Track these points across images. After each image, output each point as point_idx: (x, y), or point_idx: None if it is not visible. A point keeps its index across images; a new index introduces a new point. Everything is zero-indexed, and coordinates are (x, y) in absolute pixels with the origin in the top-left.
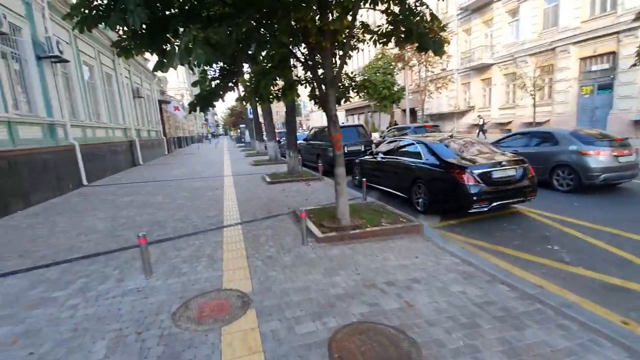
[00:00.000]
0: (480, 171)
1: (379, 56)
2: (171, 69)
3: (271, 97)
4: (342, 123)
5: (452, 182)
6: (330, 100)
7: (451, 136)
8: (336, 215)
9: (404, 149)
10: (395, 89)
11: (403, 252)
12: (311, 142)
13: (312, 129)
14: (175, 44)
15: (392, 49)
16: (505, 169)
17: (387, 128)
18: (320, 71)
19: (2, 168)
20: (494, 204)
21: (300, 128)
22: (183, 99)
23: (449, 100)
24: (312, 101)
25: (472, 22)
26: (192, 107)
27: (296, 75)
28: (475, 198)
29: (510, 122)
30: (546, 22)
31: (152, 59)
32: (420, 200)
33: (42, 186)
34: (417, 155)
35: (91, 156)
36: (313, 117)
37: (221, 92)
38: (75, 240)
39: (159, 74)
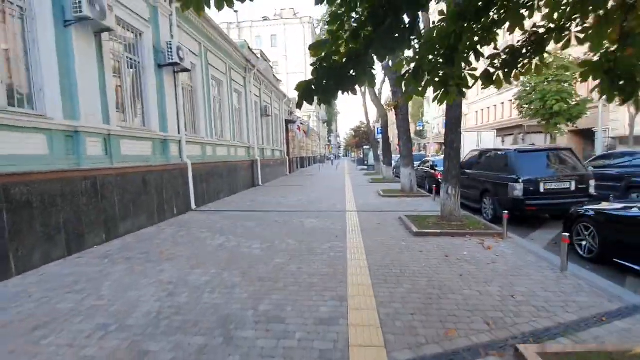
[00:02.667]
0: None
1: (549, 60)
2: None
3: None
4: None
5: None
6: None
7: None
8: None
9: None
10: (574, 101)
11: None
12: (471, 171)
13: (473, 151)
14: None
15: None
16: None
17: (591, 158)
18: None
19: (84, 190)
20: None
21: (420, 151)
22: (309, 121)
23: None
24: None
25: None
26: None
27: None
28: None
29: None
30: None
31: (285, 80)
32: None
33: (136, 212)
34: None
35: (206, 176)
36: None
37: (357, 71)
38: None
39: (288, 93)
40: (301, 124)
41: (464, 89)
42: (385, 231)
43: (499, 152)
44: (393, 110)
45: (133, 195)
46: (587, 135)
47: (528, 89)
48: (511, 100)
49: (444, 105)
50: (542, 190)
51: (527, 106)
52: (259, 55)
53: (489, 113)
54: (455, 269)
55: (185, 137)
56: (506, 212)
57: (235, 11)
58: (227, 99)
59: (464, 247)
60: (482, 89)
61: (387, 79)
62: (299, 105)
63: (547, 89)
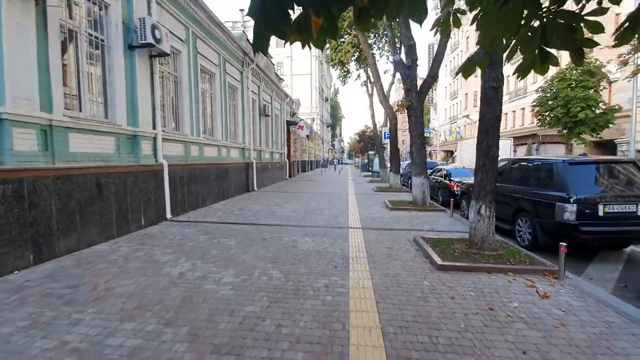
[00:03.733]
0: None
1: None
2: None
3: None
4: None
5: None
6: None
7: None
8: None
9: None
10: (600, 110)
11: None
12: (499, 184)
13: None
14: None
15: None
16: None
17: None
18: None
19: (1, 196)
20: None
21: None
22: (313, 124)
23: None
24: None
25: None
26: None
27: None
28: None
29: None
30: None
31: (290, 82)
32: None
33: (85, 224)
34: None
35: (189, 180)
36: (461, 147)
37: None
38: None
39: (292, 95)
40: (305, 125)
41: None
42: (399, 260)
43: (541, 163)
44: (405, 111)
45: (81, 202)
46: (607, 147)
47: (549, 94)
48: (524, 109)
49: (454, 111)
50: (600, 213)
51: (547, 113)
52: None
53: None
54: (511, 337)
55: (162, 134)
56: (562, 243)
57: (241, 10)
58: (219, 94)
59: (510, 292)
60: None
61: (396, 75)
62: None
63: (572, 95)
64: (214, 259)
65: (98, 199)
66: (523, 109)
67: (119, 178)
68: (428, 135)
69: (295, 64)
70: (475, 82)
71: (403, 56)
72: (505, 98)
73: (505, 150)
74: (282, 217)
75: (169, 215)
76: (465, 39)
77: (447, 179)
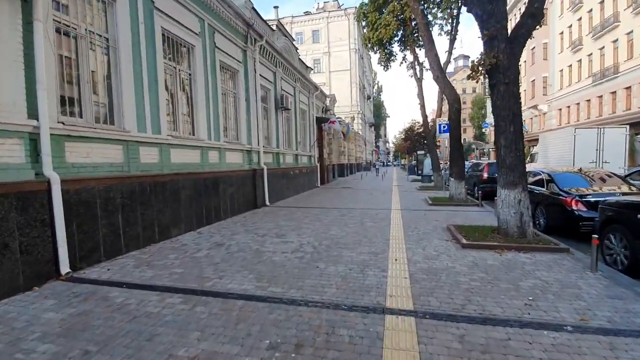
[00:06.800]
0: None
1: None
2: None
3: None
4: None
5: None
6: None
7: None
8: None
9: None
10: None
11: None
12: None
13: None
14: None
15: None
16: None
17: None
18: None
19: None
20: None
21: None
22: (353, 122)
23: None
24: None
25: None
26: None
27: None
28: None
29: None
30: None
31: (327, 79)
32: None
33: None
34: None
35: (128, 201)
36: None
37: None
38: None
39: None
40: (339, 121)
41: None
42: None
43: None
44: (482, 79)
45: None
46: None
47: None
48: (599, 96)
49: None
50: None
51: None
52: (274, 27)
53: (581, 109)
54: None
55: (60, 129)
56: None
57: (275, 7)
58: (202, 75)
59: None
60: None
61: (454, 46)
62: None
63: None
64: None
65: None
66: (614, 93)
67: None
68: (486, 130)
69: (333, 59)
70: (544, 65)
71: None
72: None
73: (620, 141)
74: (267, 269)
75: (66, 270)
76: None
77: (552, 189)
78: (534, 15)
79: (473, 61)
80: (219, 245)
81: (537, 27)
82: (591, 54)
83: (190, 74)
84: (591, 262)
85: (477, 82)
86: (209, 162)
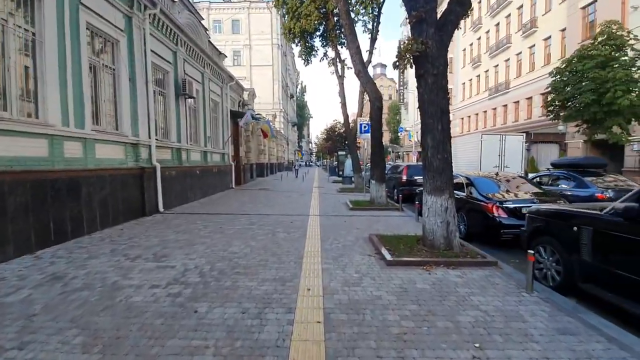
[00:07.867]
0: None
1: (600, 38)
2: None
3: None
4: None
5: None
6: None
7: None
8: None
9: None
10: None
11: None
12: None
13: None
14: None
15: None
16: None
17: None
18: None
19: None
20: None
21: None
22: (275, 120)
23: None
24: None
25: None
26: None
27: None
28: None
29: None
30: None
31: (247, 74)
32: None
33: None
34: None
35: None
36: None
37: None
38: None
39: (247, 85)
40: (258, 118)
41: None
42: None
43: None
44: (409, 68)
45: None
46: (610, 148)
47: (566, 78)
48: (493, 109)
49: None
50: None
51: (561, 102)
52: None
53: (479, 119)
54: None
55: None
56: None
57: None
58: (55, 38)
59: None
60: None
61: (375, 45)
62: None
63: (605, 76)
64: None
65: None
66: (505, 106)
67: None
68: (401, 135)
69: (255, 53)
70: (450, 78)
71: None
72: (481, 96)
73: (517, 148)
74: (111, 324)
75: None
76: None
77: (472, 193)
78: (462, 3)
79: (399, 47)
80: (55, 279)
81: (465, 16)
82: (488, 70)
83: (34, 34)
84: (526, 282)
85: (402, 72)
86: (63, 158)
